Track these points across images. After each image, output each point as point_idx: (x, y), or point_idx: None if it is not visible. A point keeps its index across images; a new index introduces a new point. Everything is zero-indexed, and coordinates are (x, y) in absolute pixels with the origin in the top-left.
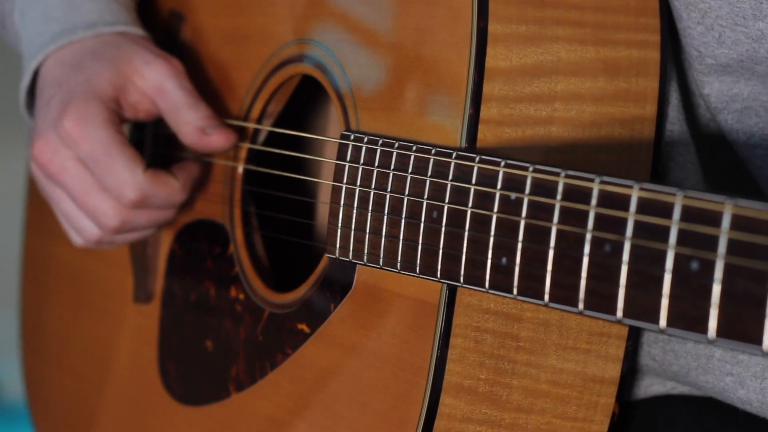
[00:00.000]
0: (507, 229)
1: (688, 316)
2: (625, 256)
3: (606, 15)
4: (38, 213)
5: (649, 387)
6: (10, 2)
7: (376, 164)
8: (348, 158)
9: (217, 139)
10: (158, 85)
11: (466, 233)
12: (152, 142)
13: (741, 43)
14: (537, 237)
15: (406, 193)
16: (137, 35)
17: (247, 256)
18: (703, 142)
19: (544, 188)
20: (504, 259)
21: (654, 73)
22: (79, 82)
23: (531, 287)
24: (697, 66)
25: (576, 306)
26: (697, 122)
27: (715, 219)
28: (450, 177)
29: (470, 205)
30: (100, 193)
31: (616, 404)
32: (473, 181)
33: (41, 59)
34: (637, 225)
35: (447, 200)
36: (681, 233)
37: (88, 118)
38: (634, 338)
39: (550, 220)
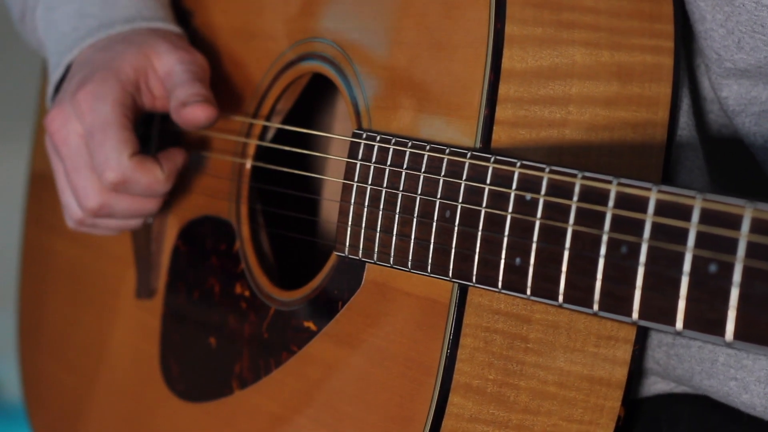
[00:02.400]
0: (521, 230)
1: (706, 319)
2: (642, 258)
3: (621, 20)
4: (39, 208)
5: (652, 385)
6: None
7: (389, 163)
8: (359, 157)
9: (191, 112)
10: (169, 68)
11: (480, 233)
12: (159, 137)
13: (759, 50)
14: (552, 238)
15: (419, 192)
16: (173, 32)
17: (253, 253)
18: (713, 148)
19: (561, 189)
20: (518, 260)
21: (667, 79)
22: (104, 60)
23: (545, 288)
24: (715, 69)
25: (591, 307)
26: (707, 128)
27: (734, 222)
28: (464, 177)
29: (484, 204)
30: (87, 172)
31: (622, 408)
32: (488, 181)
33: (77, 53)
34: (655, 227)
35: (460, 200)
36: (699, 236)
37: (101, 94)
38: (641, 342)
39: (566, 221)
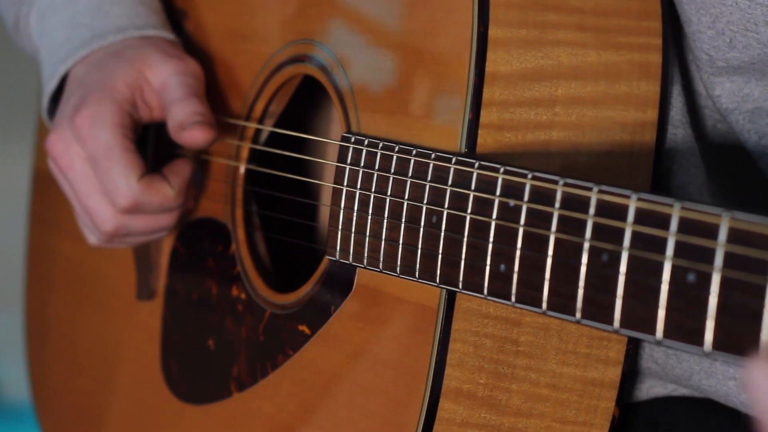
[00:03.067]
0: (506, 236)
1: (685, 328)
2: (623, 267)
3: (607, 18)
4: (42, 207)
5: (650, 389)
6: (27, 4)
7: (377, 167)
8: (349, 160)
9: (190, 135)
10: (164, 81)
11: (465, 239)
12: (155, 140)
13: (752, 48)
14: (535, 245)
15: (406, 197)
16: (165, 39)
17: (249, 256)
18: (709, 145)
19: (543, 196)
20: (502, 266)
21: (656, 77)
22: (98, 80)
23: (529, 295)
24: (707, 68)
25: (573, 315)
26: (702, 125)
27: (712, 231)
28: (449, 182)
29: (469, 210)
30: (99, 196)
31: (616, 408)
32: (473, 186)
33: (71, 64)
34: (635, 235)
35: (446, 205)
36: (678, 245)
37: (99, 118)
38: (634, 342)
39: (548, 228)
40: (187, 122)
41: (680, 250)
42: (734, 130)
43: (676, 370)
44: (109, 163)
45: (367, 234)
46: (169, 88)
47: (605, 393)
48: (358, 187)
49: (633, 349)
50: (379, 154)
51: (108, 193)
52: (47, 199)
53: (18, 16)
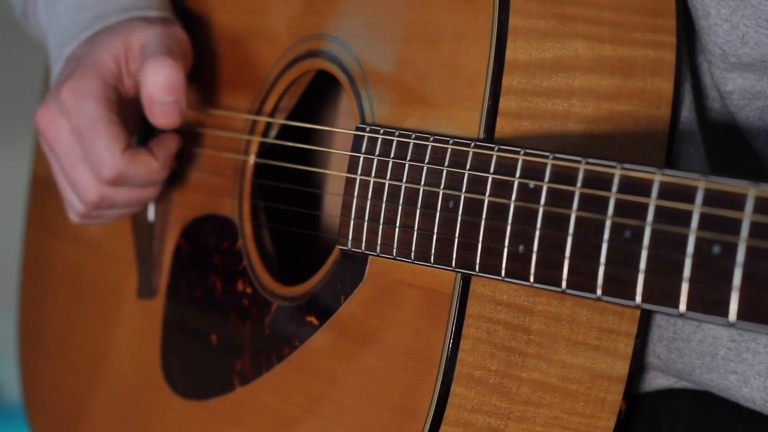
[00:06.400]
0: (525, 217)
1: (709, 300)
2: (646, 242)
3: (623, 14)
4: (40, 212)
5: (653, 380)
6: None
7: (392, 155)
8: (363, 150)
9: (160, 115)
10: (144, 40)
11: (483, 222)
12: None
13: (763, 45)
14: (555, 224)
15: (422, 183)
16: (167, 19)
17: (256, 250)
18: (714, 143)
19: (564, 176)
20: (521, 247)
21: (669, 74)
22: (87, 55)
23: (548, 274)
24: (720, 64)
25: (594, 292)
26: (709, 123)
27: (738, 203)
28: (467, 167)
29: (488, 194)
30: (83, 167)
31: (624, 402)
32: (491, 170)
33: (75, 46)
34: (659, 210)
35: (464, 189)
36: (703, 217)
37: (83, 91)
38: (643, 336)
39: (570, 207)
40: (159, 98)
41: (705, 222)
42: (743, 128)
43: (677, 365)
44: (93, 134)
45: (381, 221)
46: (147, 46)
47: (613, 386)
48: (373, 175)
49: (641, 344)
50: (395, 142)
51: (93, 165)
52: (45, 204)
53: (26, 3)
